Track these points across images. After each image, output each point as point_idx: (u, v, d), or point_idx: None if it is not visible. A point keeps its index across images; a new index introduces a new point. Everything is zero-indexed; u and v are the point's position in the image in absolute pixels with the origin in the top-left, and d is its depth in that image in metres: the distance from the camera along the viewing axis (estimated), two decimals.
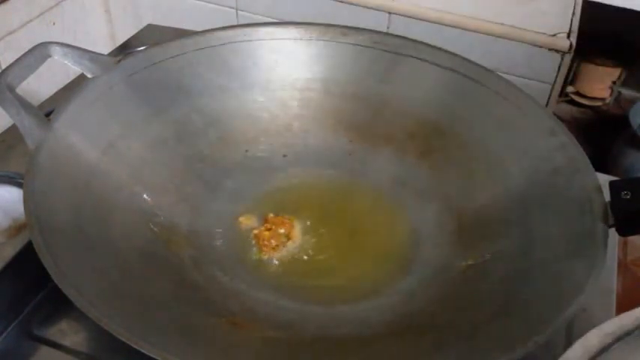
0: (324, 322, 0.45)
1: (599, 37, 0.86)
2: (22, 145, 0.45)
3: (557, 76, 0.83)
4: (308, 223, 0.53)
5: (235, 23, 0.94)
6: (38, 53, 0.49)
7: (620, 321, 0.32)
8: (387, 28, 0.87)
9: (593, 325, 0.33)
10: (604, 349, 0.31)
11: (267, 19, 0.91)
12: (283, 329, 0.45)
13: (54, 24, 0.79)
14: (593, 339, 0.32)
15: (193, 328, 0.42)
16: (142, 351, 0.34)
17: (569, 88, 0.92)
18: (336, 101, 0.59)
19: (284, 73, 0.59)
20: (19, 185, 0.51)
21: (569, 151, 0.49)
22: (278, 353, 0.43)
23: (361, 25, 0.59)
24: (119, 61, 0.53)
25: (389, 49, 0.58)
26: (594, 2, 0.76)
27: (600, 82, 0.90)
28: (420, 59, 0.57)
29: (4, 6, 0.71)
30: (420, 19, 0.84)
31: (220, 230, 0.51)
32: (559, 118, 0.52)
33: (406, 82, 0.58)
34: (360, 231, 0.53)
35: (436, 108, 0.57)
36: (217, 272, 0.48)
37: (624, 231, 0.44)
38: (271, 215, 0.52)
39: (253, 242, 0.51)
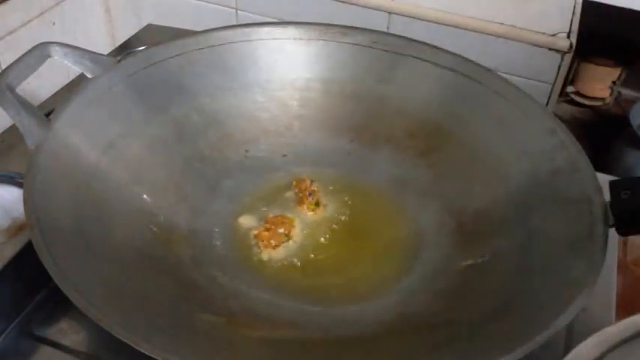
0: (324, 322, 0.45)
1: (599, 37, 0.86)
2: (22, 145, 0.45)
3: (557, 76, 0.83)
4: (308, 222, 0.53)
5: (235, 23, 0.94)
6: (38, 53, 0.49)
7: (616, 328, 0.32)
8: (387, 28, 0.87)
9: (593, 325, 0.33)
10: (601, 357, 0.31)
11: (267, 19, 0.90)
12: (283, 329, 0.45)
13: (54, 24, 0.79)
14: (589, 346, 0.32)
15: (193, 328, 0.42)
16: (142, 351, 0.34)
17: (569, 88, 0.92)
18: (335, 101, 0.59)
19: (284, 73, 0.59)
20: (19, 185, 0.51)
21: (569, 151, 0.49)
22: (278, 353, 0.42)
23: (361, 25, 0.59)
24: (119, 61, 0.53)
25: (389, 49, 0.58)
26: (594, 2, 0.76)
27: (600, 82, 0.90)
28: (420, 59, 0.57)
29: (4, 6, 0.71)
30: (420, 19, 0.84)
31: (220, 230, 0.51)
32: (559, 118, 0.52)
33: (406, 82, 0.58)
34: (360, 231, 0.53)
35: (436, 108, 0.57)
36: (217, 272, 0.48)
37: (624, 231, 0.44)
38: (271, 215, 0.52)
39: (253, 242, 0.51)
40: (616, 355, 0.31)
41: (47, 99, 0.67)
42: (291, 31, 0.59)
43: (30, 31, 0.75)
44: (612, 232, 0.44)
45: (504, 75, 0.56)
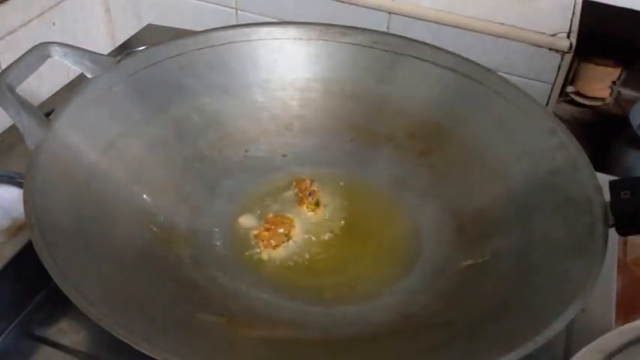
0: (323, 322, 0.45)
1: (599, 37, 0.86)
2: (22, 145, 0.45)
3: (557, 76, 0.83)
4: (308, 222, 0.53)
5: (235, 23, 0.94)
6: (38, 53, 0.49)
7: (615, 336, 0.32)
8: (387, 28, 0.87)
9: (593, 325, 0.33)
10: None
11: (267, 19, 0.90)
12: (283, 329, 0.45)
13: (54, 24, 0.79)
14: (587, 355, 0.32)
15: (193, 328, 0.42)
16: (142, 351, 0.34)
17: (569, 88, 0.92)
18: (335, 101, 0.59)
19: (284, 73, 0.59)
20: (19, 185, 0.51)
21: (569, 151, 0.49)
22: (277, 353, 0.42)
23: (361, 25, 0.59)
24: (119, 61, 0.53)
25: (389, 49, 0.58)
26: (594, 2, 0.76)
27: (600, 82, 0.91)
28: (420, 59, 0.57)
29: (4, 6, 0.71)
30: (420, 19, 0.84)
31: (220, 230, 0.51)
32: (559, 118, 0.52)
33: (406, 82, 0.58)
34: (360, 231, 0.53)
35: (436, 108, 0.57)
36: (217, 272, 0.48)
37: (624, 231, 0.44)
38: (271, 215, 0.52)
39: (253, 242, 0.51)
40: None
41: (47, 99, 0.67)
42: (291, 31, 0.59)
43: (30, 31, 0.75)
44: (612, 232, 0.44)
45: (504, 75, 0.56)
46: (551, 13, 0.79)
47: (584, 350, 0.32)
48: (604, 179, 0.46)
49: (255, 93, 0.58)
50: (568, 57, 0.81)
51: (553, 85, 0.84)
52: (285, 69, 0.59)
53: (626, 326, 0.33)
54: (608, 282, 0.51)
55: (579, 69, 0.90)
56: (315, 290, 0.48)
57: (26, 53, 0.49)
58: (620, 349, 0.32)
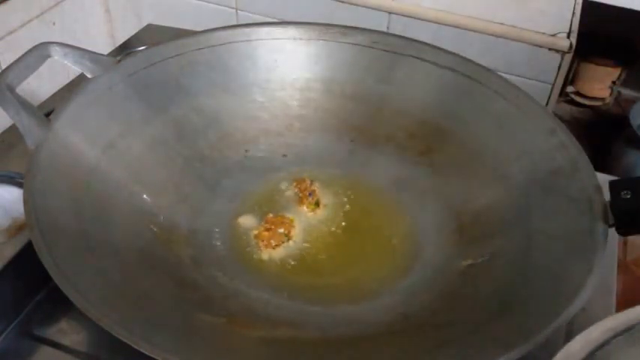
0: (324, 322, 0.45)
1: (599, 37, 0.86)
2: (22, 145, 0.45)
3: (557, 76, 0.83)
4: (308, 222, 0.53)
5: (235, 23, 0.94)
6: (38, 53, 0.49)
7: (624, 317, 0.32)
8: (387, 28, 0.87)
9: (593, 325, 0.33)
10: (605, 343, 0.31)
11: (267, 19, 0.91)
12: (283, 329, 0.45)
13: (54, 24, 0.79)
14: (594, 333, 0.32)
15: (193, 328, 0.42)
16: (142, 351, 0.35)
17: (569, 88, 0.92)
18: (336, 101, 0.59)
19: (284, 73, 0.59)
20: (19, 185, 0.51)
21: (569, 151, 0.49)
22: (277, 353, 0.42)
23: (361, 25, 0.59)
24: (119, 61, 0.53)
25: (389, 49, 0.58)
26: (594, 2, 0.76)
27: (600, 82, 0.91)
28: (420, 59, 0.57)
29: (4, 6, 0.71)
30: (420, 19, 0.84)
31: (220, 230, 0.51)
32: (559, 118, 0.52)
33: (406, 82, 0.58)
34: (360, 231, 0.53)
35: (436, 108, 0.57)
36: (217, 272, 0.48)
37: (624, 231, 0.44)
38: (271, 215, 0.52)
39: (253, 242, 0.51)
40: (617, 344, 0.32)
41: (47, 99, 0.67)
42: (291, 31, 0.59)
43: (30, 31, 0.75)
44: (612, 232, 0.44)
45: (504, 75, 0.56)
46: (551, 13, 0.79)
47: (574, 342, 0.32)
48: (604, 179, 0.46)
49: (255, 93, 0.58)
50: (568, 57, 0.81)
51: (553, 85, 0.84)
52: (285, 69, 0.59)
53: (620, 314, 0.33)
54: (608, 282, 0.51)
55: (579, 69, 0.90)
56: (315, 290, 0.48)
57: (26, 53, 0.49)
58: (610, 339, 0.32)
